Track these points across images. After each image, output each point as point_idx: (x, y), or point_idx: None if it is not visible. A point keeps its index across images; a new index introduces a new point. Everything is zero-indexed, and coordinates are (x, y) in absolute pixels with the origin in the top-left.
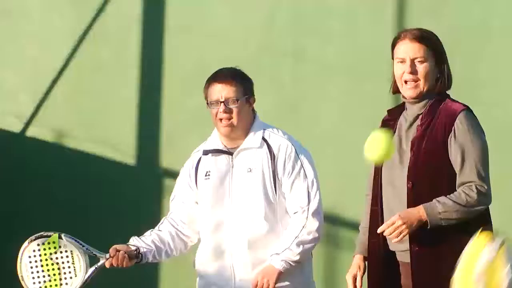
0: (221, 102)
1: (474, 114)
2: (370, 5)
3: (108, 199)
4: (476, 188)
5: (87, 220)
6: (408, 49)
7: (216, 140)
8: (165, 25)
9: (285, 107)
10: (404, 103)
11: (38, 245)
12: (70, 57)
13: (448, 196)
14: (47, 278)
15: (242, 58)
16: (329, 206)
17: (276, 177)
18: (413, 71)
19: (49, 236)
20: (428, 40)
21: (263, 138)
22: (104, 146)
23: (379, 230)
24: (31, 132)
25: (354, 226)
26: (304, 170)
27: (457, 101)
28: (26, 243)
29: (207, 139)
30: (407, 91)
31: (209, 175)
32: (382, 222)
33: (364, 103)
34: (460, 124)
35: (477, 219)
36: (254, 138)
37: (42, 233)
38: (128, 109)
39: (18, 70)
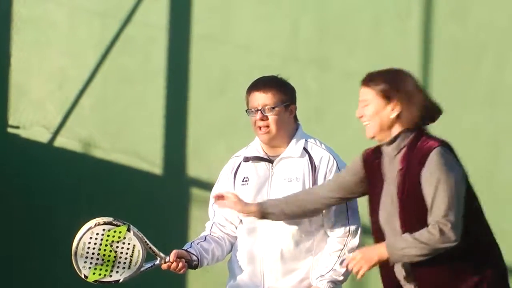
0: (258, 110)
1: (449, 149)
2: (395, 13)
3: (135, 209)
4: (439, 227)
5: None
6: (360, 94)
7: (257, 147)
8: (191, 35)
9: (310, 115)
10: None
11: (104, 230)
12: (96, 67)
13: (413, 234)
14: (99, 262)
15: (267, 67)
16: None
17: None
18: (360, 114)
19: (118, 226)
20: (375, 82)
21: (305, 149)
22: (131, 156)
23: (344, 263)
24: (58, 142)
25: None
26: None
27: (433, 137)
28: (93, 223)
29: (249, 144)
30: (367, 131)
31: (247, 181)
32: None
33: None
34: (429, 164)
35: (479, 258)
36: (295, 147)
37: (112, 219)
38: (155, 118)
39: (45, 80)
